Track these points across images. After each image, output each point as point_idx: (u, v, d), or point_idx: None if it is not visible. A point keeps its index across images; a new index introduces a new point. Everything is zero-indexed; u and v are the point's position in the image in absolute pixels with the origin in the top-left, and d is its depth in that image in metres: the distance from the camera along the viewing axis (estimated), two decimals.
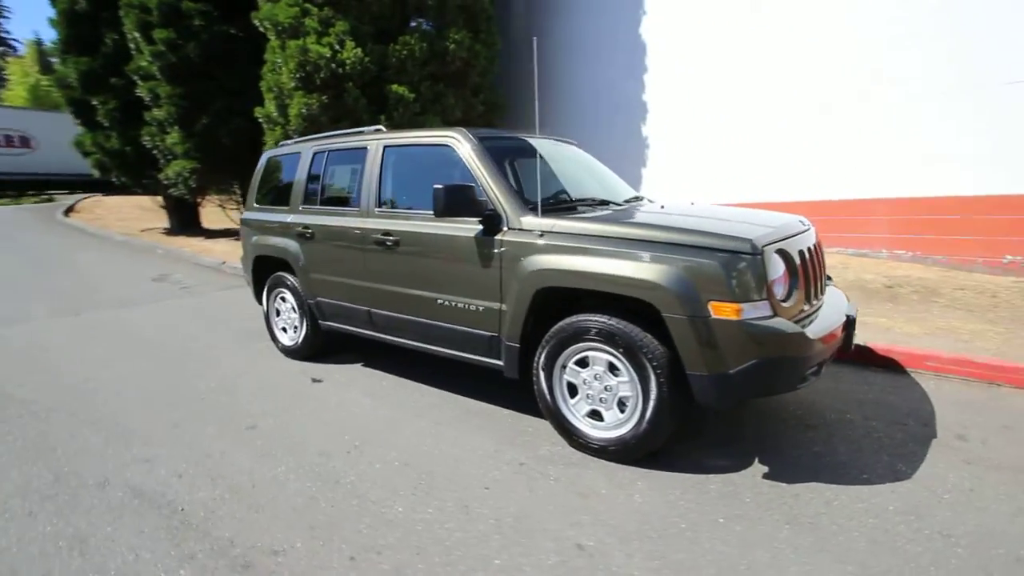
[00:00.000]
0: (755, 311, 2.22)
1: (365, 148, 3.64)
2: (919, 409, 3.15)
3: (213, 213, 15.56)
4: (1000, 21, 5.52)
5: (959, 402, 3.23)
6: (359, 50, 8.21)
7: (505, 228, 2.83)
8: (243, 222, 4.68)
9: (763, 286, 2.23)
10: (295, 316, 4.27)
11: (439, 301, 3.14)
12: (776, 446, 2.74)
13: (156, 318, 5.91)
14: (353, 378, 3.89)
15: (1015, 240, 5.49)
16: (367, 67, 8.36)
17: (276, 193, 4.43)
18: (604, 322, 2.48)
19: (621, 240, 2.47)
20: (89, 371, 4.14)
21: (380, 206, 3.48)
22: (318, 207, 3.93)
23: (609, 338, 2.48)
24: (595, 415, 2.66)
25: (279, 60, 8.43)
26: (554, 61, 10.78)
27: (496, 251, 2.84)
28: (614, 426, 2.58)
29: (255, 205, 4.59)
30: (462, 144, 3.10)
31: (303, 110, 8.23)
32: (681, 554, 1.97)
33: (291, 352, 4.33)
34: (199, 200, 13.68)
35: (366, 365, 4.16)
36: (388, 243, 3.34)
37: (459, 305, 3.05)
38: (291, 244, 4.06)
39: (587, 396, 2.65)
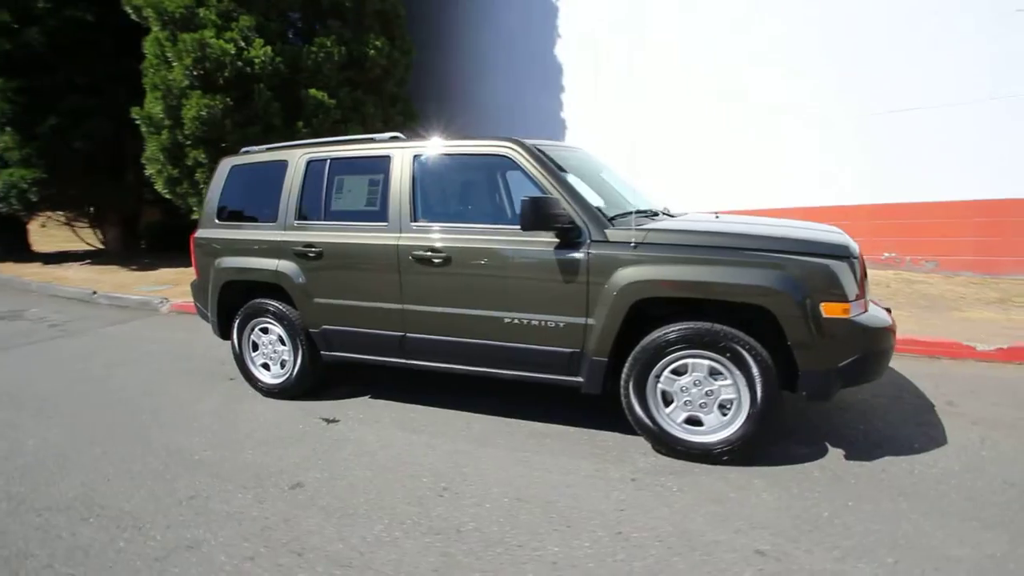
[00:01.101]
0: (857, 309, 2.46)
1: (388, 157, 3.28)
2: (900, 383, 3.72)
3: (43, 235, 12.77)
4: (875, 57, 6.82)
5: (924, 375, 3.88)
6: (269, 48, 7.39)
7: (588, 240, 2.76)
8: (198, 243, 3.91)
9: (858, 286, 2.49)
10: (283, 349, 3.67)
11: (507, 320, 2.94)
12: (832, 430, 3.03)
13: (52, 367, 4.68)
14: (374, 413, 3.46)
15: (889, 240, 6.80)
16: (278, 68, 7.56)
17: (249, 207, 3.79)
18: (712, 328, 2.55)
19: (723, 249, 2.56)
20: (47, 444, 3.14)
21: (416, 220, 3.17)
22: (322, 222, 3.44)
23: (713, 344, 2.56)
24: (692, 421, 2.71)
25: (169, 54, 7.24)
26: (468, 74, 10.78)
27: (582, 264, 2.75)
28: (717, 429, 2.64)
29: (216, 221, 3.87)
30: (522, 154, 2.96)
31: (203, 112, 7.17)
32: (848, 540, 2.08)
33: (277, 391, 3.71)
34: (28, 219, 11.12)
35: (375, 397, 3.73)
36: (435, 260, 3.05)
37: (534, 323, 2.88)
38: (285, 265, 3.49)
39: (685, 403, 2.69)
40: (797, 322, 2.42)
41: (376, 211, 3.30)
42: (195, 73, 7.09)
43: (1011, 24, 6.03)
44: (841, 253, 2.48)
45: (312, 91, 7.67)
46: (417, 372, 3.47)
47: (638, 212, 3.00)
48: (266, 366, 3.80)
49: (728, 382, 2.59)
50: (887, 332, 2.51)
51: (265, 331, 3.74)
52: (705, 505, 2.35)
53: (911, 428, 3.03)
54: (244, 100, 7.46)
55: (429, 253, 3.06)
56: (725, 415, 2.63)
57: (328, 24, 8.07)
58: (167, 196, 8.48)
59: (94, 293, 7.60)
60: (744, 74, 7.68)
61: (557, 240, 2.80)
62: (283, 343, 3.68)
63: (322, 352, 3.56)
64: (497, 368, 3.08)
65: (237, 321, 3.78)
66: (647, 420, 2.74)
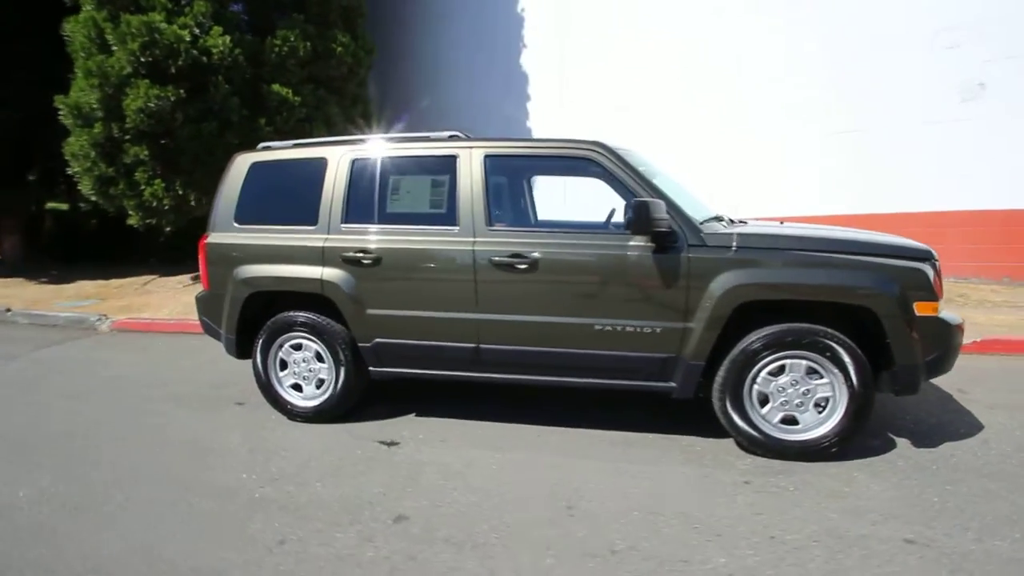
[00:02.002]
0: (942, 308, 2.66)
1: (453, 156, 3.07)
2: None
3: None
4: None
5: None
6: (227, 38, 6.75)
7: (685, 244, 2.75)
8: (212, 249, 3.42)
9: (940, 287, 2.69)
10: (321, 367, 3.30)
11: (598, 327, 2.84)
12: (884, 423, 3.23)
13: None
14: (433, 432, 3.19)
15: None
16: (237, 60, 6.91)
17: (278, 208, 3.37)
18: (812, 329, 2.63)
19: (825, 253, 2.66)
20: (46, 494, 2.53)
21: (492, 224, 2.98)
22: (376, 226, 3.14)
23: (813, 344, 2.64)
24: (786, 421, 2.77)
25: (110, 37, 6.36)
26: (427, 78, 10.51)
27: (682, 268, 2.73)
28: (813, 427, 2.72)
29: (234, 225, 3.40)
30: (608, 156, 2.90)
31: (151, 103, 6.37)
32: (972, 522, 2.21)
33: (312, 414, 3.32)
34: None
35: (421, 415, 3.45)
36: (519, 267, 2.89)
37: (628, 329, 2.81)
38: (331, 273, 3.14)
39: (782, 403, 2.75)
40: (896, 321, 2.57)
41: (443, 214, 3.08)
42: (142, 60, 6.27)
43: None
44: (927, 256, 2.68)
45: (276, 87, 7.07)
46: (451, 385, 3.26)
47: (715, 218, 3.05)
48: (297, 387, 3.39)
49: (825, 380, 2.69)
50: (960, 330, 2.75)
51: (298, 347, 3.34)
52: (828, 501, 2.41)
53: (948, 416, 3.32)
54: (198, 93, 6.72)
55: (512, 259, 2.89)
56: (820, 413, 2.74)
57: (292, 17, 7.50)
58: (94, 198, 7.40)
59: (8, 311, 6.42)
60: (719, 81, 8.07)
61: (653, 244, 2.77)
62: (321, 360, 3.30)
63: (371, 368, 3.24)
64: (580, 377, 2.98)
65: (262, 338, 3.34)
66: (742, 422, 2.77)
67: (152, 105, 6.34)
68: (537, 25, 9.56)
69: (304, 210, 3.29)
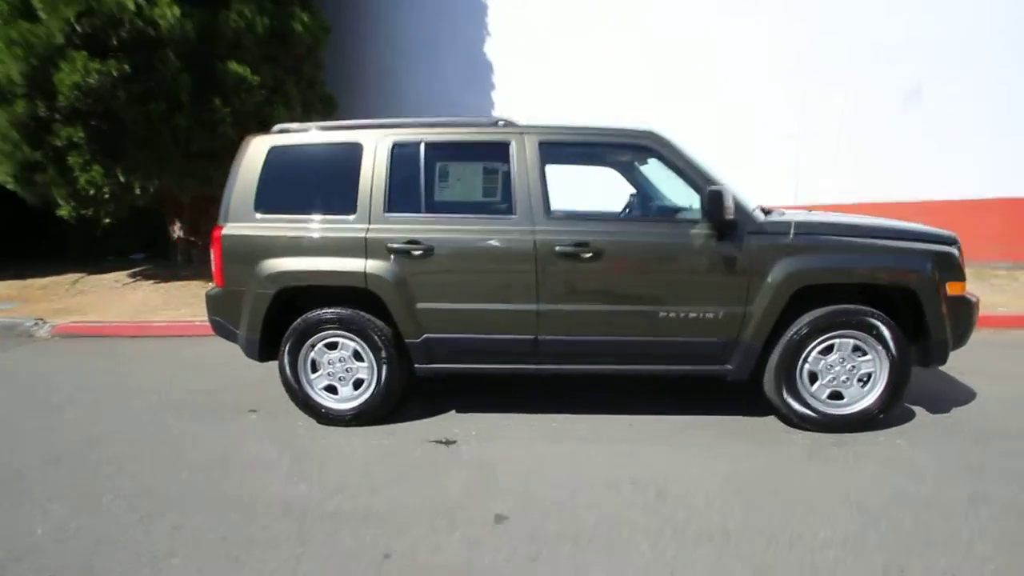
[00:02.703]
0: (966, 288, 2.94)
1: (505, 143, 2.95)
2: None
3: None
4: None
5: None
6: (177, 9, 6.08)
7: (744, 231, 2.84)
8: (229, 241, 3.07)
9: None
10: (359, 366, 3.08)
11: (662, 314, 2.87)
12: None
13: None
14: (487, 428, 3.08)
15: None
16: (188, 34, 6.25)
17: (305, 197, 3.09)
18: (862, 309, 2.81)
19: (874, 239, 2.85)
20: (66, 528, 2.15)
21: (550, 212, 2.91)
22: (425, 214, 2.97)
23: (861, 323, 2.82)
24: (834, 396, 2.96)
25: (37, 3, 5.49)
26: (385, 64, 10.05)
27: (743, 255, 2.82)
28: (858, 400, 2.92)
29: (255, 215, 3.08)
30: (666, 144, 2.92)
31: (90, 79, 5.62)
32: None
33: (349, 417, 3.10)
34: None
35: (463, 411, 3.33)
36: (584, 256, 2.84)
37: (691, 315, 2.86)
38: (376, 266, 2.92)
39: (830, 380, 2.92)
40: (933, 299, 2.80)
41: (498, 202, 2.97)
42: (78, 30, 5.48)
43: None
44: (953, 241, 2.94)
45: (233, 65, 6.45)
46: (478, 379, 3.19)
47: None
48: (331, 389, 3.15)
49: (869, 357, 2.89)
50: (978, 306, 3.06)
51: (332, 347, 3.09)
52: (886, 468, 2.59)
53: (941, 385, 3.66)
54: (144, 69, 5.98)
55: (576, 248, 2.84)
56: (864, 387, 2.94)
57: None
58: (12, 186, 6.40)
59: None
60: (691, 72, 8.33)
61: (715, 232, 2.83)
62: (359, 359, 3.09)
63: (417, 366, 3.08)
64: (639, 364, 3.01)
65: (291, 338, 3.05)
66: (794, 400, 2.91)
67: (91, 81, 5.57)
68: (501, 12, 9.44)
69: (338, 198, 3.04)
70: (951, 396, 3.44)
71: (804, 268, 2.79)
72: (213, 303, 3.22)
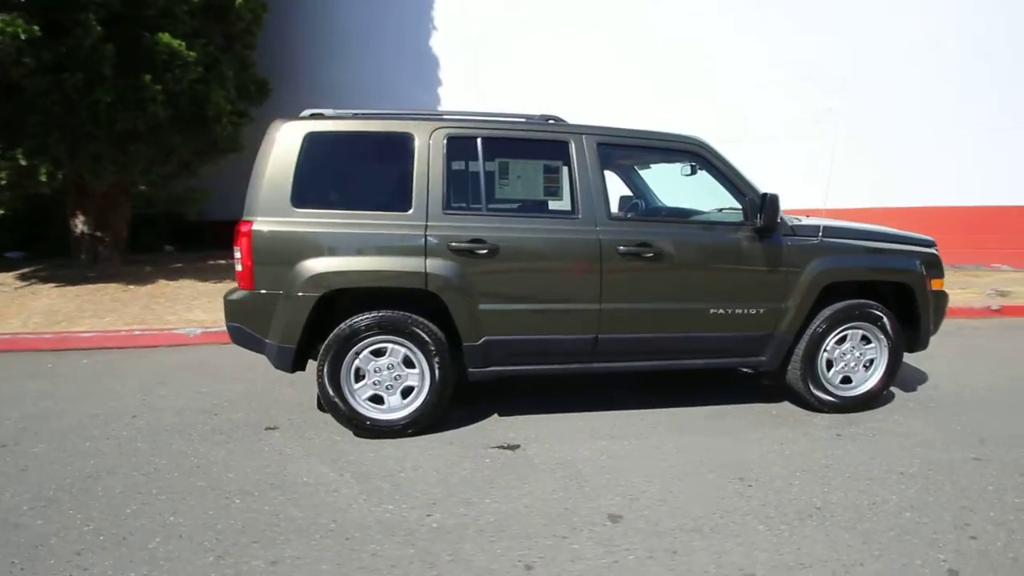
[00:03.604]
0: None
1: (564, 142, 2.95)
2: None
3: None
4: None
5: None
6: None
7: (782, 233, 3.10)
8: (262, 238, 2.72)
9: None
10: (409, 373, 2.89)
11: (712, 311, 3.04)
12: None
13: None
14: (544, 429, 3.06)
15: None
16: None
17: (350, 190, 2.83)
18: (873, 304, 3.20)
19: (875, 244, 3.25)
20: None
21: (611, 213, 2.95)
22: (487, 212, 2.85)
23: (871, 316, 3.22)
24: (845, 380, 3.34)
25: None
26: (321, 52, 9.39)
27: (784, 254, 3.08)
28: (863, 383, 3.33)
29: (293, 209, 2.74)
30: (711, 151, 3.10)
31: None
32: (1008, 434, 2.98)
33: (399, 428, 2.91)
34: None
35: (504, 414, 3.27)
36: (646, 255, 2.92)
37: (738, 311, 3.07)
38: (437, 265, 2.76)
39: (843, 366, 3.30)
40: (923, 293, 3.28)
41: (559, 202, 2.94)
42: None
43: None
44: (934, 243, 3.47)
45: (164, 37, 5.62)
46: (510, 380, 3.23)
47: None
48: (377, 399, 2.91)
49: (872, 345, 3.31)
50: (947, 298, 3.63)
51: (379, 353, 2.87)
52: (903, 440, 2.99)
53: (904, 368, 4.31)
54: (58, 34, 5.00)
55: (640, 248, 2.92)
56: (867, 371, 3.36)
57: None
58: None
59: None
60: (642, 71, 8.71)
61: (758, 233, 3.07)
62: (410, 364, 2.90)
63: (471, 369, 2.96)
64: (687, 359, 3.16)
65: (335, 345, 2.78)
66: (815, 386, 3.24)
67: None
68: (447, 8, 9.24)
69: (389, 193, 2.84)
70: (910, 377, 4.03)
71: (832, 267, 3.13)
72: (236, 308, 2.84)
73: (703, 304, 3.07)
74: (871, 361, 3.34)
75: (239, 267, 2.80)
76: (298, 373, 3.78)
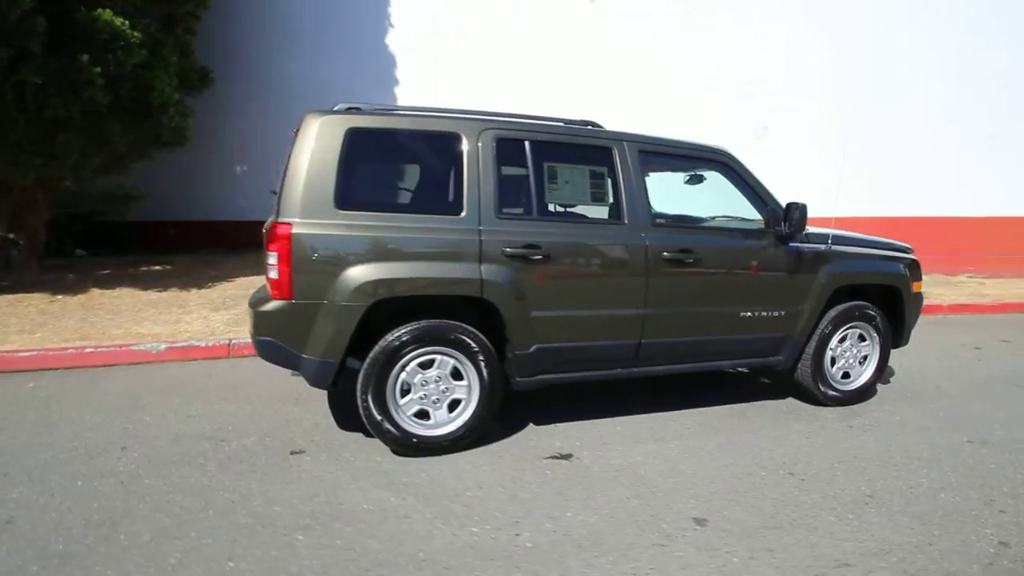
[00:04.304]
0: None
1: (608, 148, 2.95)
2: None
3: None
4: None
5: None
6: None
7: (799, 240, 3.30)
8: (303, 242, 2.45)
9: None
10: (457, 386, 2.74)
11: (742, 314, 3.18)
12: None
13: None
14: (586, 436, 3.03)
15: None
16: None
17: (396, 192, 2.63)
18: (869, 305, 3.50)
19: (870, 250, 3.56)
20: None
21: (654, 219, 2.99)
22: (539, 217, 2.77)
23: (867, 317, 3.52)
24: (845, 376, 3.62)
25: None
26: (266, 43, 8.71)
27: (803, 260, 3.28)
28: (859, 378, 3.62)
29: (336, 211, 2.50)
30: (737, 161, 3.24)
31: None
32: (984, 419, 3.38)
33: (447, 444, 2.76)
34: None
35: (541, 423, 3.21)
36: (687, 261, 2.98)
37: (763, 314, 3.22)
38: (492, 271, 2.64)
39: (844, 363, 3.57)
40: (908, 295, 3.64)
41: (606, 207, 2.93)
42: None
43: None
44: (912, 249, 3.85)
45: (105, 12, 4.93)
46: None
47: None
48: (422, 414, 2.73)
49: (867, 343, 3.63)
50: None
51: (427, 366, 2.69)
52: (902, 427, 3.29)
53: None
54: None
55: (682, 254, 2.98)
56: (862, 366, 3.66)
57: None
58: None
59: None
60: (603, 75, 8.84)
61: (781, 240, 3.25)
62: (458, 376, 2.75)
63: (519, 379, 2.86)
64: (717, 360, 3.28)
65: (381, 359, 2.57)
66: (821, 383, 3.49)
67: None
68: (405, 7, 8.94)
69: (437, 195, 2.70)
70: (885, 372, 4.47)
71: (841, 271, 3.40)
72: (269, 320, 2.53)
73: (736, 307, 3.20)
74: (865, 357, 3.66)
75: (273, 274, 2.51)
76: (297, 389, 3.51)
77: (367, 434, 2.99)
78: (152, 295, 5.69)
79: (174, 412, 3.28)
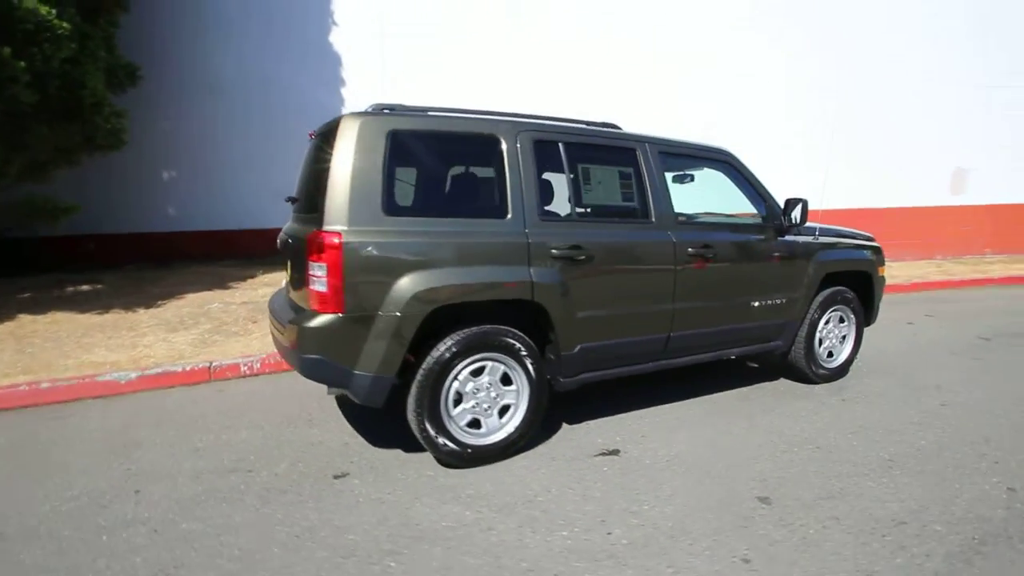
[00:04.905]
0: None
1: (632, 149, 3.03)
2: None
3: None
4: None
5: None
6: None
7: (794, 232, 3.57)
8: (354, 250, 2.29)
9: None
10: (506, 391, 2.70)
11: (753, 303, 3.39)
12: None
13: None
14: (622, 430, 3.11)
15: None
16: None
17: (440, 195, 2.53)
18: (846, 289, 3.86)
19: (846, 240, 3.92)
20: None
21: (677, 216, 3.11)
22: (577, 219, 2.78)
23: (846, 300, 3.89)
24: (829, 355, 3.97)
25: None
26: (198, 37, 7.97)
27: (799, 250, 3.56)
28: (839, 356, 3.98)
29: (383, 216, 2.36)
30: (737, 161, 3.45)
31: None
32: (953, 387, 3.85)
33: (498, 451, 2.71)
34: None
35: (573, 422, 3.25)
36: (708, 256, 3.13)
37: (769, 302, 3.46)
38: (542, 274, 2.62)
39: (828, 343, 3.91)
40: (876, 278, 4.06)
41: (636, 207, 3.02)
42: None
43: None
44: (874, 238, 4.29)
45: (28, 0, 4.27)
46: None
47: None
48: (474, 423, 2.65)
49: (845, 324, 4.00)
50: None
51: (478, 373, 2.62)
52: (886, 398, 3.67)
53: None
54: None
55: (704, 249, 3.13)
56: (842, 344, 4.03)
57: None
58: None
59: None
60: (556, 72, 8.93)
61: (780, 233, 3.50)
62: (507, 382, 2.70)
63: (561, 380, 2.87)
64: (730, 348, 3.47)
65: (435, 369, 2.47)
66: (812, 363, 3.82)
67: None
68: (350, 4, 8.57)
69: (480, 197, 2.65)
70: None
71: (828, 260, 3.73)
72: (319, 337, 2.35)
73: (747, 297, 3.42)
74: (844, 337, 4.04)
75: (321, 287, 2.33)
76: (306, 409, 3.34)
77: (405, 449, 2.88)
78: (93, 318, 5.03)
79: (177, 446, 2.95)
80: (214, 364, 4.02)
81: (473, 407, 2.66)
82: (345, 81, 8.69)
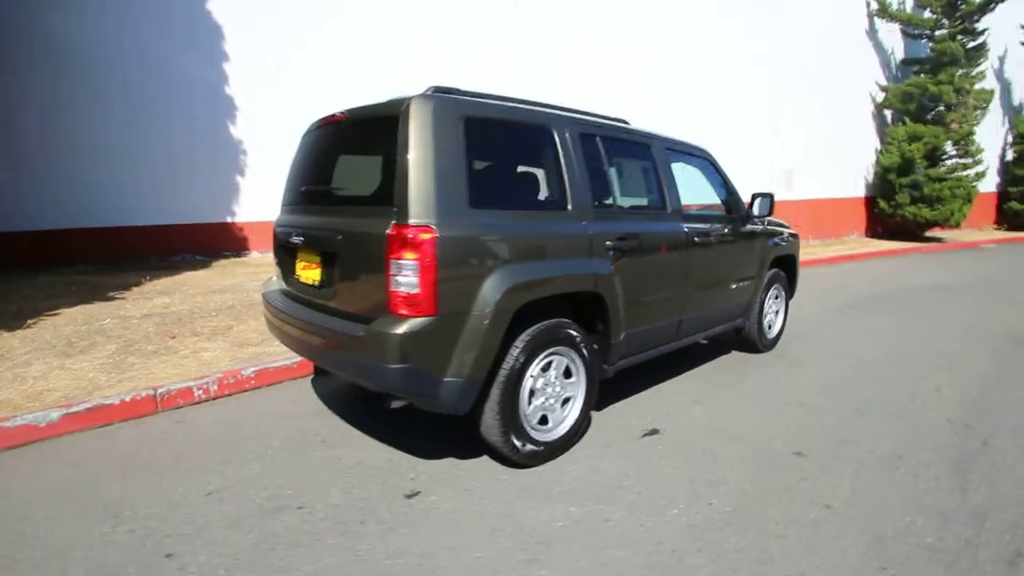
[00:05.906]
0: None
1: (647, 145, 3.19)
2: None
3: None
4: None
5: None
6: None
7: (754, 222, 4.06)
8: (449, 246, 2.07)
9: None
10: (568, 383, 2.69)
11: (732, 285, 3.80)
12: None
13: None
14: (645, 411, 3.29)
15: None
16: None
17: (508, 185, 2.41)
18: (781, 272, 4.52)
19: (780, 228, 4.57)
20: None
21: (680, 207, 3.35)
22: (615, 211, 2.86)
23: (780, 279, 4.55)
24: (770, 327, 4.60)
25: None
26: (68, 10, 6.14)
27: (760, 237, 4.07)
28: (775, 326, 4.66)
29: (468, 209, 2.18)
30: (713, 159, 3.82)
31: None
32: (893, 348, 4.72)
33: (560, 445, 2.71)
34: None
35: (599, 407, 3.31)
36: (708, 244, 3.43)
37: (742, 284, 3.93)
38: (601, 266, 2.64)
39: (770, 316, 4.55)
40: (796, 261, 4.81)
41: (655, 198, 3.19)
42: None
43: None
44: (789, 225, 5.04)
45: None
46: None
47: None
48: (543, 421, 2.59)
49: (780, 299, 4.69)
50: None
51: (546, 368, 2.56)
52: (818, 363, 4.37)
53: None
54: None
55: (705, 238, 3.42)
56: (776, 317, 4.72)
57: None
58: None
59: None
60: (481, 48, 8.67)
61: (745, 222, 3.96)
62: (568, 375, 2.69)
63: (606, 367, 2.94)
64: (714, 327, 3.86)
65: (514, 372, 2.37)
66: (760, 335, 4.42)
67: None
68: None
69: (542, 189, 2.60)
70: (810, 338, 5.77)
71: (774, 246, 4.34)
72: (412, 343, 2.09)
73: (730, 279, 3.84)
74: (777, 311, 4.75)
75: (409, 288, 2.07)
76: (301, 430, 3.07)
77: (459, 456, 2.73)
78: (42, 333, 3.80)
79: (179, 494, 2.39)
80: (159, 391, 3.28)
81: (543, 403, 2.62)
82: (228, 55, 7.56)
